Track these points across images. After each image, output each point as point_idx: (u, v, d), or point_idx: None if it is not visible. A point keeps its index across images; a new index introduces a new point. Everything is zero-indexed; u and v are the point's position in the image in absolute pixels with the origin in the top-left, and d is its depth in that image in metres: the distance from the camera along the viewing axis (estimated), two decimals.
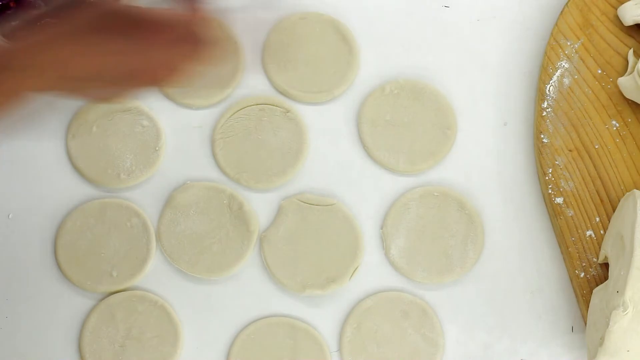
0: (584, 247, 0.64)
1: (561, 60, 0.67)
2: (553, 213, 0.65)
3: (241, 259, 0.65)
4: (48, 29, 0.47)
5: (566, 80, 0.67)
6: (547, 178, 0.65)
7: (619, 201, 0.64)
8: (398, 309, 0.65)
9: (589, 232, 0.64)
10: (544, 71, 0.67)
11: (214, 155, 0.68)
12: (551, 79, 0.67)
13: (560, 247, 0.66)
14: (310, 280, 0.65)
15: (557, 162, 0.66)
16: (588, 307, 0.62)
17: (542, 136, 0.66)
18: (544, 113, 0.66)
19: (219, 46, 0.49)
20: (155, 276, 0.66)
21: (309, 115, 0.68)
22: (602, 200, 0.65)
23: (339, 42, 0.69)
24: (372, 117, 0.68)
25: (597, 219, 0.65)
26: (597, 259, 0.64)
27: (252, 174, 0.67)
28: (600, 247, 0.64)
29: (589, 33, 0.68)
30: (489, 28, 0.71)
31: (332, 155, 0.68)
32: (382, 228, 0.67)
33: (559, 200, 0.65)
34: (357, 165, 0.68)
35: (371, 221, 0.67)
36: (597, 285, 0.63)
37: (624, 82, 0.66)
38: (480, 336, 0.65)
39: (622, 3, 0.68)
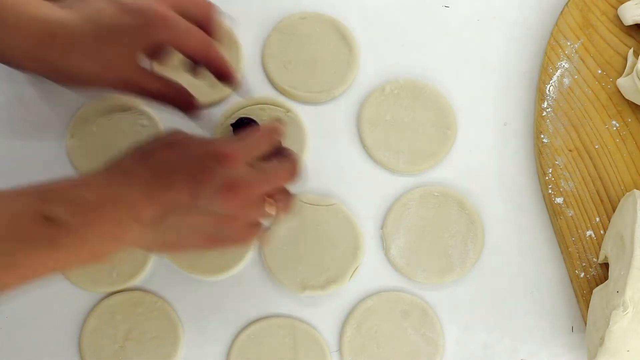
0: (584, 247, 0.64)
1: (561, 60, 0.67)
2: (553, 213, 0.65)
3: (241, 259, 0.65)
4: None
5: (566, 80, 0.67)
6: (547, 178, 0.65)
7: (619, 201, 0.64)
8: (398, 309, 0.65)
9: (589, 232, 0.64)
10: (544, 71, 0.67)
11: None
12: (551, 79, 0.67)
13: (560, 247, 0.66)
14: (310, 281, 0.65)
15: (557, 162, 0.66)
16: (588, 307, 0.62)
17: (542, 136, 0.66)
18: (544, 113, 0.66)
19: None
20: (155, 276, 0.66)
21: (309, 115, 0.68)
22: (602, 200, 0.65)
23: (339, 42, 0.69)
24: (372, 117, 0.68)
25: (597, 219, 0.65)
26: (597, 259, 0.64)
27: None
28: (600, 247, 0.64)
29: (589, 33, 0.68)
30: (489, 28, 0.71)
31: (332, 156, 0.68)
32: (382, 228, 0.66)
33: (559, 200, 0.65)
34: (357, 165, 0.68)
35: (371, 221, 0.67)
36: (597, 285, 0.63)
37: (623, 82, 0.66)
38: (480, 336, 0.65)
39: (622, 3, 0.68)
